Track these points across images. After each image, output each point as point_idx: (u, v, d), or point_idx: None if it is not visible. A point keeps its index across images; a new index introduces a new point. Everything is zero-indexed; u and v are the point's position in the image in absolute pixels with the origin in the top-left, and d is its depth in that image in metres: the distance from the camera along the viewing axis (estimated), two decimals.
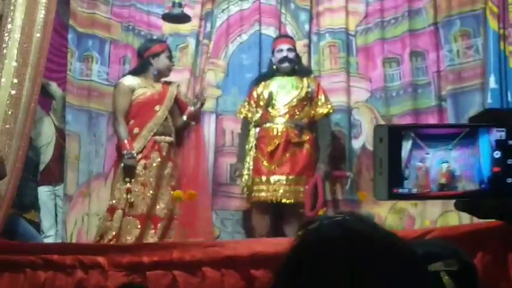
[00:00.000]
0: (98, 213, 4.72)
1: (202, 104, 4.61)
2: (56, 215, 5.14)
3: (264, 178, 4.45)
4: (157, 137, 4.33)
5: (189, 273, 3.49)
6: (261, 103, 4.61)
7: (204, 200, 4.61)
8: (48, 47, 4.24)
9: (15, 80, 3.94)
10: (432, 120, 4.60)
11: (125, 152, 4.21)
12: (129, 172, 4.20)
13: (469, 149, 0.78)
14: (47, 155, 5.11)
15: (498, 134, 0.78)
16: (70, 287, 3.63)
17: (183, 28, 5.30)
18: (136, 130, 4.32)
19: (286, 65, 4.64)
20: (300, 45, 5.09)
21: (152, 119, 4.35)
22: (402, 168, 0.78)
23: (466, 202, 0.80)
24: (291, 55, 4.67)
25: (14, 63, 3.94)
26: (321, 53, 5.16)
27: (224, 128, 5.18)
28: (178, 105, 4.56)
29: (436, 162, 0.78)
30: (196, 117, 4.64)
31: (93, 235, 4.57)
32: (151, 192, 4.23)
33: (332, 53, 5.14)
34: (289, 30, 5.29)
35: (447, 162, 0.78)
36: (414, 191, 0.78)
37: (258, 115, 4.59)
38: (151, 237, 4.20)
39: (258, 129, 4.58)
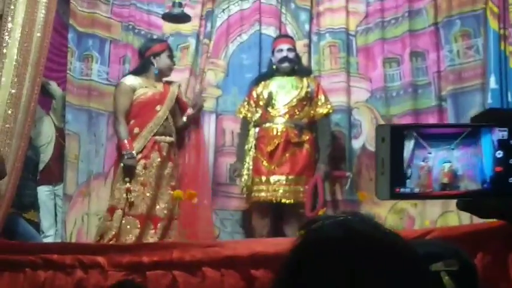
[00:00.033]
0: (98, 213, 4.72)
1: (199, 109, 4.63)
2: (56, 215, 5.14)
3: (263, 178, 4.45)
4: (157, 137, 4.33)
5: (189, 273, 3.49)
6: (261, 103, 4.61)
7: (204, 200, 4.61)
8: (48, 46, 4.24)
9: (15, 79, 3.94)
10: (432, 120, 4.60)
11: (125, 152, 4.21)
12: (129, 172, 4.20)
13: (471, 149, 0.78)
14: (46, 155, 5.11)
15: (500, 133, 0.78)
16: (70, 286, 3.62)
17: (184, 28, 5.30)
18: (136, 130, 4.32)
19: (286, 65, 4.64)
20: (300, 45, 5.10)
21: (153, 119, 4.35)
22: (404, 167, 0.77)
23: (468, 202, 0.79)
24: (291, 55, 4.67)
25: (14, 63, 3.94)
26: (321, 53, 5.16)
27: (224, 128, 5.18)
28: (179, 105, 4.56)
29: (438, 161, 0.78)
30: (196, 120, 4.66)
31: (93, 235, 4.57)
32: (151, 192, 4.23)
33: (332, 53, 5.14)
34: (290, 30, 5.29)
35: (449, 161, 0.78)
36: (416, 190, 0.78)
37: (257, 115, 4.60)
38: (151, 237, 4.20)
39: (257, 129, 4.58)
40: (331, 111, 4.64)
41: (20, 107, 3.95)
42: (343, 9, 5.13)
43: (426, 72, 4.78)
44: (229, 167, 4.94)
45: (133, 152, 4.21)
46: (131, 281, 3.25)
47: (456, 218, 4.09)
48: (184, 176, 4.56)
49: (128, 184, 4.19)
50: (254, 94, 4.69)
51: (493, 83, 4.16)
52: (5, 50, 3.95)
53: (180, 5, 4.91)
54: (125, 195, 4.19)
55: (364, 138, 4.91)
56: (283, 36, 5.02)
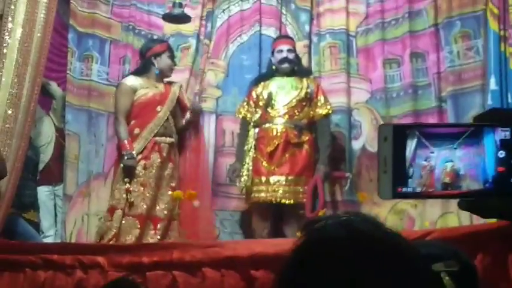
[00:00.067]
0: (98, 213, 4.72)
1: (196, 115, 4.64)
2: (56, 215, 5.14)
3: (263, 179, 4.45)
4: (157, 138, 4.34)
5: (189, 273, 3.49)
6: (261, 103, 4.61)
7: (204, 201, 4.61)
8: (48, 46, 4.24)
9: (16, 80, 3.94)
10: (432, 121, 4.60)
11: (125, 152, 4.21)
12: (129, 172, 4.21)
13: (474, 149, 0.78)
14: (46, 155, 5.11)
15: (503, 133, 0.78)
16: (70, 286, 3.62)
17: (185, 28, 5.30)
18: (137, 131, 4.32)
19: (286, 65, 4.64)
20: (300, 45, 5.09)
21: (153, 120, 4.35)
22: (406, 167, 0.78)
23: (470, 201, 0.79)
24: (291, 56, 4.67)
25: (14, 63, 3.94)
26: (321, 54, 5.16)
27: (224, 128, 5.18)
28: (180, 106, 4.56)
29: (440, 161, 0.78)
30: (194, 124, 4.67)
31: (92, 235, 4.57)
32: (150, 192, 4.23)
33: (332, 54, 5.14)
34: (290, 30, 5.29)
35: (452, 161, 0.78)
36: (418, 190, 0.78)
37: (257, 115, 4.59)
38: (152, 238, 4.20)
39: (257, 130, 4.58)
40: (330, 112, 4.64)
41: (20, 107, 3.95)
42: (344, 10, 5.12)
43: (426, 73, 4.78)
44: (228, 168, 4.94)
45: (134, 152, 4.22)
46: (126, 278, 3.24)
47: (456, 219, 4.09)
48: (184, 176, 4.57)
49: (127, 184, 4.19)
50: (254, 94, 4.69)
51: (493, 84, 4.16)
52: (5, 50, 3.95)
53: (181, 5, 4.91)
54: (124, 195, 4.19)
55: (364, 139, 4.91)
56: (283, 36, 5.02)
